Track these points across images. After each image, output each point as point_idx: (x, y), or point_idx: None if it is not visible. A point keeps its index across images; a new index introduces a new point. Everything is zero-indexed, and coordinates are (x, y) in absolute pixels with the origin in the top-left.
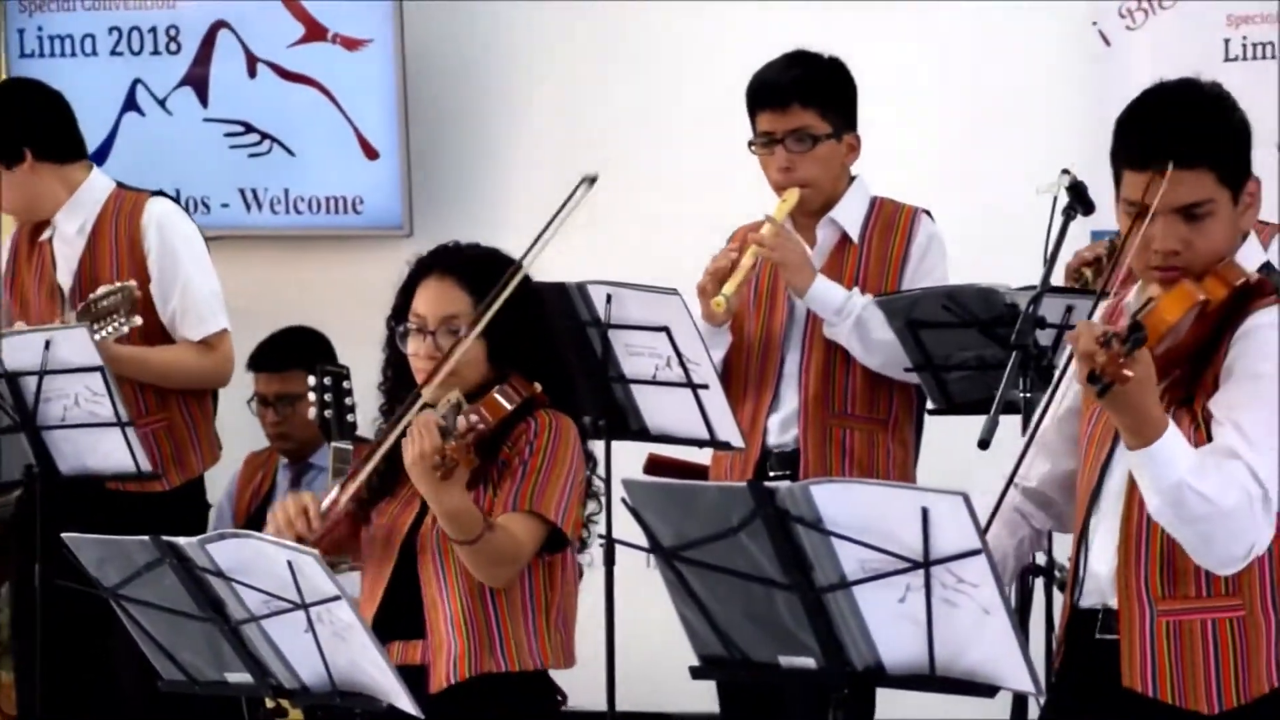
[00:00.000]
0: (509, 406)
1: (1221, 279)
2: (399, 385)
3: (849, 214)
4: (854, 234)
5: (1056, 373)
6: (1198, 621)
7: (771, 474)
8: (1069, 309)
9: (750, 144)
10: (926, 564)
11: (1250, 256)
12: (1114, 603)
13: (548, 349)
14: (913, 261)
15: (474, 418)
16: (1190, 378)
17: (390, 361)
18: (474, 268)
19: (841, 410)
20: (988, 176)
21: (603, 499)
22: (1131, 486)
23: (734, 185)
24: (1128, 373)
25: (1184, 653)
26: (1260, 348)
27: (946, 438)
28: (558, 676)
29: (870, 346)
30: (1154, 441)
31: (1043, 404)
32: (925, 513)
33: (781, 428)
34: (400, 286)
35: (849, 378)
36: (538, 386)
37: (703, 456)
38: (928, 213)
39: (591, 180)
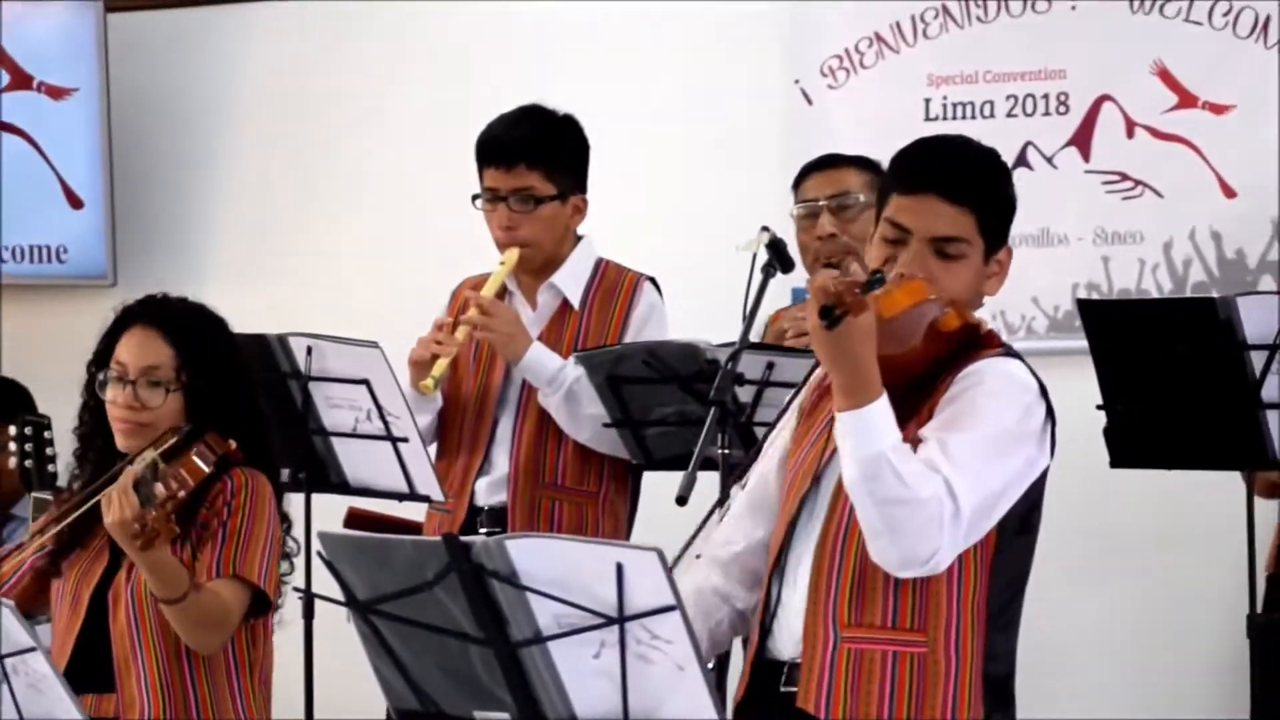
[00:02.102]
0: (206, 469)
1: (960, 313)
2: (95, 432)
3: (571, 278)
4: (575, 300)
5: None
6: (879, 652)
7: (483, 531)
8: (769, 365)
9: (474, 198)
10: (621, 620)
11: (985, 321)
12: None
13: (247, 402)
14: (631, 330)
15: (174, 484)
16: (908, 400)
17: (87, 406)
18: (179, 322)
19: (551, 482)
20: (693, 233)
21: (295, 559)
22: (828, 518)
23: (441, 244)
24: (863, 304)
25: (861, 681)
26: (983, 384)
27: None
28: None
29: (579, 420)
30: (867, 403)
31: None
32: (620, 568)
33: (490, 490)
34: (104, 333)
35: (560, 448)
36: (233, 443)
37: (407, 511)
38: (652, 280)
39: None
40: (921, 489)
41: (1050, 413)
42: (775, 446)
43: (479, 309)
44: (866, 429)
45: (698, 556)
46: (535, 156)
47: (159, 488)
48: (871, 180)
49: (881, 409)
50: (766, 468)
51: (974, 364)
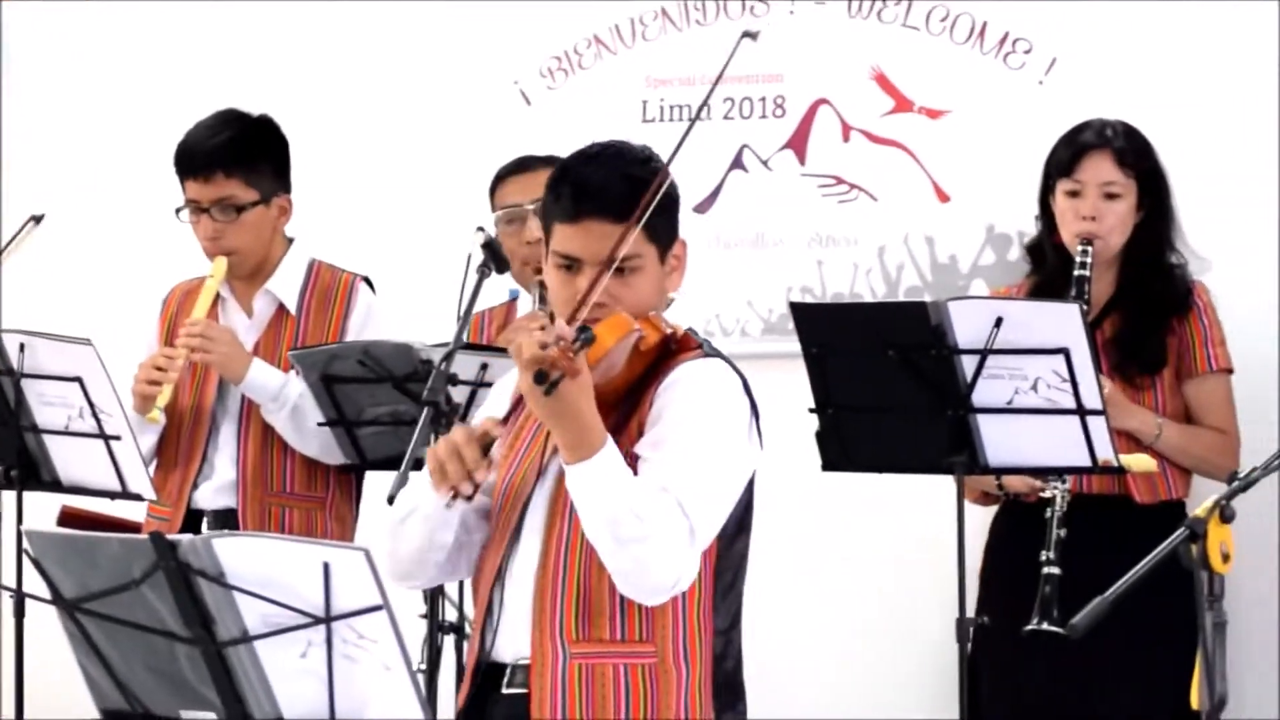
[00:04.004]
0: None
1: (655, 327)
2: None
3: (286, 282)
4: (291, 305)
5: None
6: (610, 666)
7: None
8: (483, 366)
9: (178, 211)
10: (328, 619)
11: (676, 319)
12: (528, 654)
13: None
14: (350, 334)
15: None
16: (615, 416)
17: None
18: None
19: (280, 489)
20: (411, 233)
21: (6, 558)
22: (549, 528)
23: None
24: (578, 366)
25: (594, 697)
26: (687, 393)
27: None
28: None
29: (305, 434)
30: (597, 452)
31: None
32: (327, 568)
33: (215, 495)
34: None
35: (287, 456)
36: None
37: (126, 512)
38: (367, 280)
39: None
40: (660, 524)
41: (754, 408)
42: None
43: (194, 335)
44: (600, 480)
45: None
46: (233, 164)
47: None
48: None
49: (612, 455)
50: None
51: (675, 370)
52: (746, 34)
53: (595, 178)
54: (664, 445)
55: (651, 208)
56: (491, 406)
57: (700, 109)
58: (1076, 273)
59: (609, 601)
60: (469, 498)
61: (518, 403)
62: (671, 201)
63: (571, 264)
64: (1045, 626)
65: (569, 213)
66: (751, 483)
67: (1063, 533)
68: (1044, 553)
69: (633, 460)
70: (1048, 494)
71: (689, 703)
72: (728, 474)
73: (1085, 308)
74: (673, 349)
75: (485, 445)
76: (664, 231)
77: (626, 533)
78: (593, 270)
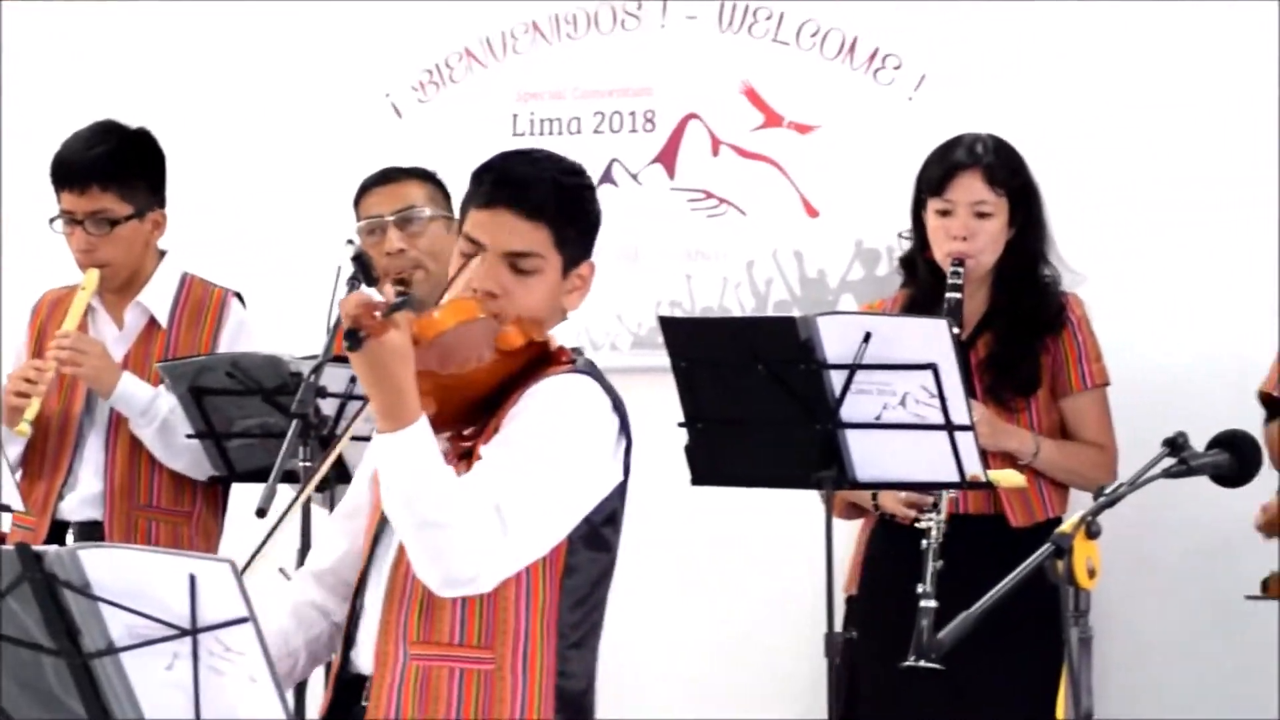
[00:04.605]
0: None
1: (523, 330)
2: None
3: (157, 295)
4: (162, 318)
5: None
6: (446, 669)
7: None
8: (353, 379)
9: (51, 221)
10: (194, 631)
11: (564, 337)
12: None
13: None
14: (222, 348)
15: None
16: (474, 418)
17: None
18: None
19: (147, 502)
20: (283, 246)
21: None
22: None
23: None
24: (383, 328)
25: (429, 700)
26: (543, 401)
27: None
28: None
29: (174, 449)
30: (405, 426)
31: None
32: (193, 580)
33: (80, 507)
34: None
35: (155, 469)
36: None
37: None
38: (238, 295)
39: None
40: (463, 511)
41: (625, 429)
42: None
43: (64, 347)
44: (405, 452)
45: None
46: (108, 177)
47: None
48: (433, 193)
49: (420, 431)
50: (361, 476)
51: (539, 382)
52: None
53: (519, 171)
54: (504, 446)
55: (566, 219)
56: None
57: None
58: (948, 294)
59: (451, 603)
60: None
61: None
62: (590, 220)
63: (476, 251)
64: (923, 664)
65: (485, 198)
66: (615, 501)
67: (939, 565)
68: (920, 586)
69: (476, 458)
70: (923, 524)
71: (525, 713)
72: (564, 486)
73: (957, 329)
74: (544, 360)
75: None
76: (574, 244)
77: (424, 514)
78: (492, 260)
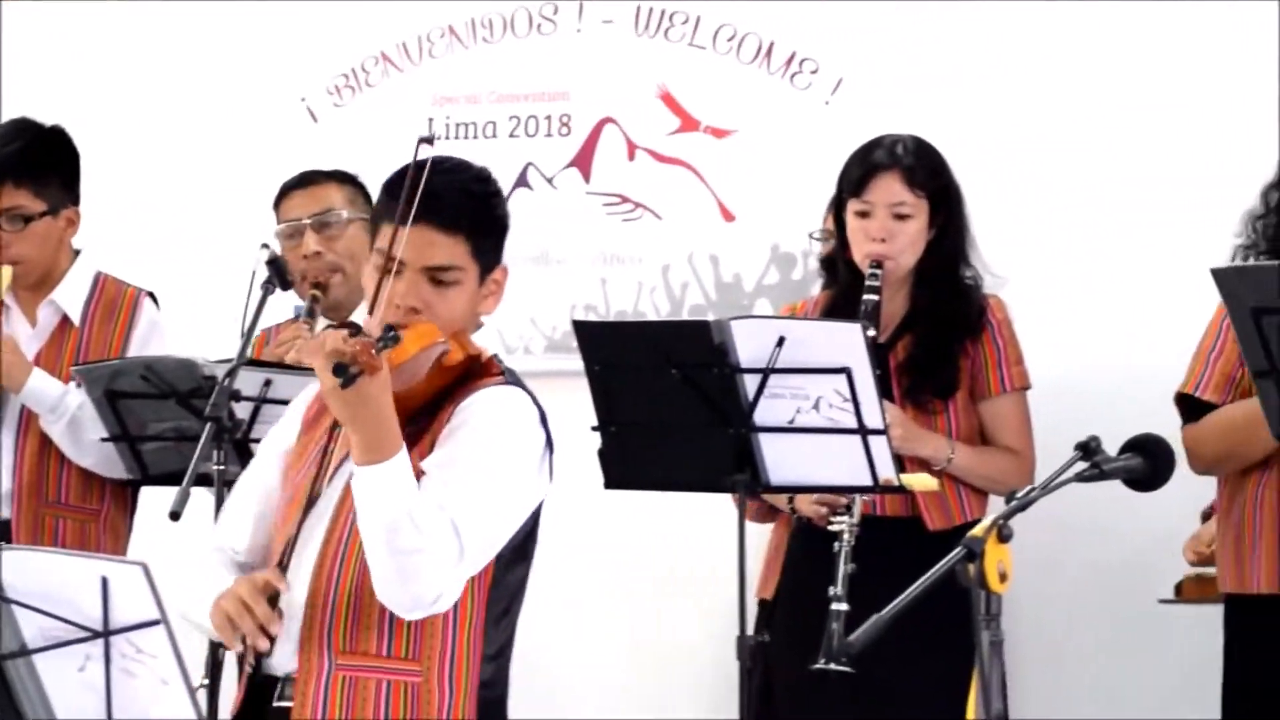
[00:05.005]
0: None
1: (461, 345)
2: None
3: (70, 294)
4: (75, 316)
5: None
6: (373, 680)
7: None
8: (267, 382)
9: None
10: (106, 634)
11: (484, 342)
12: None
13: None
14: (133, 348)
15: None
16: (409, 430)
17: None
18: None
19: (55, 499)
20: (196, 248)
21: None
22: (326, 540)
23: None
24: (378, 363)
25: (354, 710)
26: (483, 417)
27: None
28: None
29: (82, 446)
30: (390, 457)
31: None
32: (105, 582)
33: None
34: None
35: (63, 466)
36: None
37: None
38: (151, 295)
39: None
40: (435, 538)
41: (549, 440)
42: (278, 455)
43: None
44: (389, 485)
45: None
46: (22, 174)
47: None
48: (353, 195)
49: (402, 463)
50: (271, 477)
51: (474, 394)
52: (424, 139)
53: (432, 183)
54: (450, 466)
55: (481, 228)
56: (282, 427)
57: None
58: (866, 297)
59: (378, 615)
60: (266, 653)
61: (309, 423)
62: (502, 226)
63: (389, 264)
64: (833, 667)
65: (400, 212)
66: (537, 513)
67: (852, 568)
68: (832, 588)
69: (419, 475)
70: (835, 528)
71: None
72: (508, 502)
73: (873, 332)
74: (475, 371)
75: (272, 598)
76: (489, 252)
77: (402, 542)
78: (412, 274)
